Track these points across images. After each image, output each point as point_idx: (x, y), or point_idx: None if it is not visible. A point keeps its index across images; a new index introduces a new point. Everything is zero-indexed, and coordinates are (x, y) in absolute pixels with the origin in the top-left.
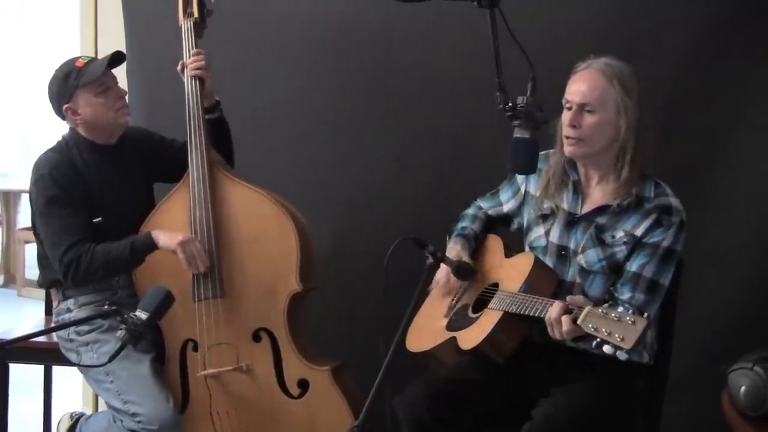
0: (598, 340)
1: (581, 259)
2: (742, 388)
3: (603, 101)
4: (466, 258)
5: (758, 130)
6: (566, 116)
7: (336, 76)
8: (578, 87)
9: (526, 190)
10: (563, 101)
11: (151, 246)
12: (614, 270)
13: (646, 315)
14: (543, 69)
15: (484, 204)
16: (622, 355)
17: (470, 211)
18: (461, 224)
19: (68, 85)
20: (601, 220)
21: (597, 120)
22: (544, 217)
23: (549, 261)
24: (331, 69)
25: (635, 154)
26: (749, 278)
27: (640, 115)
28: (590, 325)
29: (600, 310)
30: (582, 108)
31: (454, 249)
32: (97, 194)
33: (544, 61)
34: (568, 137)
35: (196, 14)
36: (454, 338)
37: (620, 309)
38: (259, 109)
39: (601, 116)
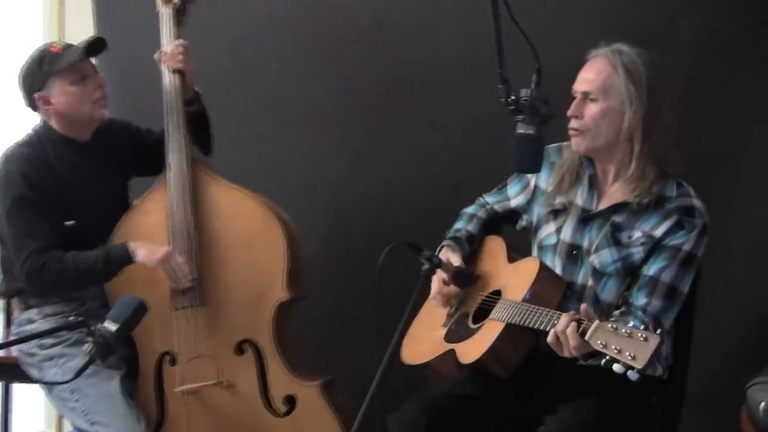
0: (608, 357)
1: (594, 260)
2: (762, 404)
3: (606, 89)
4: (456, 263)
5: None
6: (571, 106)
7: (325, 66)
8: (584, 75)
9: (535, 185)
10: (572, 92)
11: (128, 260)
12: (629, 273)
13: (659, 331)
14: (550, 60)
15: (490, 199)
16: (633, 375)
17: (470, 209)
18: (457, 225)
19: (41, 71)
20: (618, 218)
21: (600, 109)
22: (556, 214)
23: (559, 261)
24: (320, 58)
25: (644, 146)
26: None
27: (649, 105)
28: (599, 342)
29: (609, 325)
30: (585, 97)
31: (442, 254)
32: (70, 194)
33: (550, 51)
34: (571, 128)
35: (177, 0)
36: (452, 351)
37: (631, 323)
38: (242, 102)
39: (603, 105)
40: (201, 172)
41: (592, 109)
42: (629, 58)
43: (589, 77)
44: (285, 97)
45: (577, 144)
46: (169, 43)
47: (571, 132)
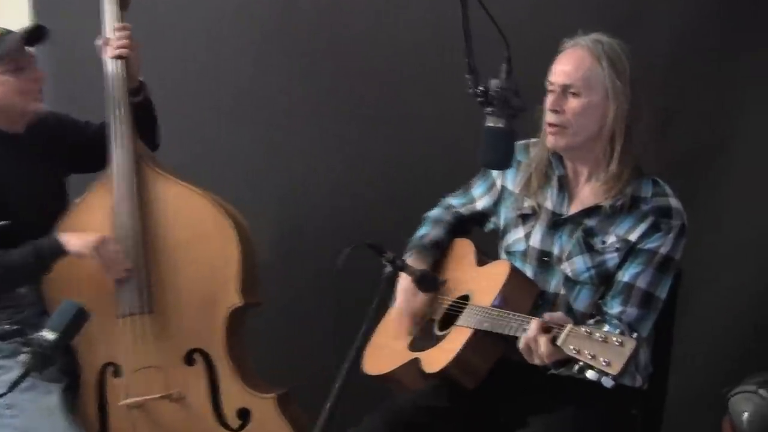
0: (581, 364)
1: (566, 267)
2: (745, 414)
3: (589, 82)
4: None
5: (762, 118)
6: (548, 100)
7: (276, 55)
8: (562, 67)
9: (502, 186)
10: (546, 84)
11: (59, 251)
12: (604, 280)
13: (635, 335)
14: (522, 48)
15: (455, 201)
16: (607, 382)
17: (434, 213)
18: (420, 231)
19: None
20: (591, 222)
21: (582, 104)
22: (524, 218)
23: (529, 269)
24: (276, 46)
25: (626, 145)
26: (754, 290)
27: (632, 99)
28: (571, 347)
29: (583, 330)
30: (565, 90)
31: (410, 263)
32: (1, 192)
33: (523, 39)
34: (549, 124)
35: None
36: (417, 359)
37: (606, 328)
38: (190, 95)
39: (586, 99)
40: (147, 168)
41: (573, 104)
42: (611, 49)
43: (568, 69)
44: (235, 90)
45: (555, 141)
46: (111, 28)
47: (549, 128)
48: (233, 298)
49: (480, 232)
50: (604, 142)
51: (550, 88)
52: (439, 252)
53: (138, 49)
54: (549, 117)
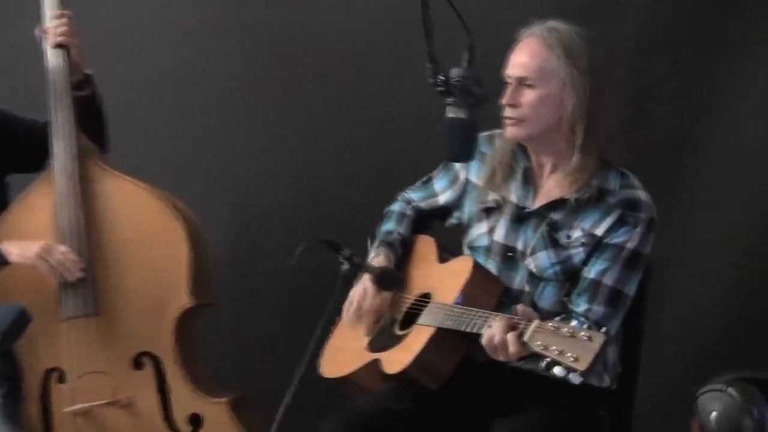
0: (548, 360)
1: (531, 263)
2: (713, 414)
3: (544, 73)
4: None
5: (738, 108)
6: (505, 93)
7: (230, 45)
8: (516, 58)
9: (466, 179)
10: (504, 76)
11: (1, 261)
12: (570, 277)
13: (604, 329)
14: (485, 36)
15: (414, 195)
16: (575, 378)
17: (396, 207)
18: (385, 226)
19: None
20: (556, 216)
21: (537, 96)
22: (488, 212)
23: (493, 264)
24: (225, 37)
25: (589, 135)
26: (724, 287)
27: (592, 88)
28: (538, 343)
29: (550, 325)
30: (521, 83)
31: (376, 261)
32: None
33: (486, 27)
34: (506, 117)
35: None
36: (377, 360)
37: (574, 323)
38: (138, 89)
39: (543, 91)
40: (90, 163)
41: (529, 96)
42: (567, 37)
43: (523, 60)
44: (187, 82)
45: (513, 133)
46: (50, 15)
47: (507, 121)
48: (183, 299)
49: (442, 226)
50: (565, 132)
51: (507, 80)
52: (404, 248)
53: (79, 38)
54: (506, 111)
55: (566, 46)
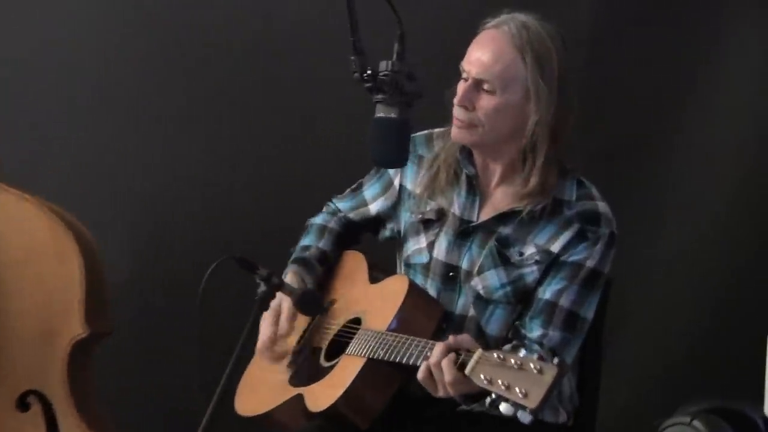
0: (494, 396)
1: (477, 284)
2: None
3: (506, 80)
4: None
5: (705, 106)
6: (459, 90)
7: (129, 38)
8: (478, 54)
9: (401, 185)
10: (460, 67)
11: None
12: (522, 298)
13: (557, 361)
14: (417, 25)
15: (342, 205)
16: (524, 417)
17: (318, 219)
18: (303, 241)
19: None
20: (506, 230)
21: (496, 104)
22: (427, 224)
23: (433, 286)
24: (128, 40)
25: (550, 152)
26: (692, 307)
27: (559, 101)
28: (482, 376)
29: (495, 355)
30: (478, 85)
31: (288, 280)
32: None
33: (418, 14)
34: (455, 119)
35: None
36: (300, 396)
37: (523, 353)
38: (26, 90)
39: (502, 99)
40: None
41: (485, 102)
42: (538, 39)
43: (485, 60)
44: (80, 80)
45: (460, 136)
46: None
47: (455, 122)
48: (76, 328)
49: (373, 240)
50: (520, 145)
51: (463, 75)
52: (325, 266)
53: None
54: (457, 111)
55: (537, 52)
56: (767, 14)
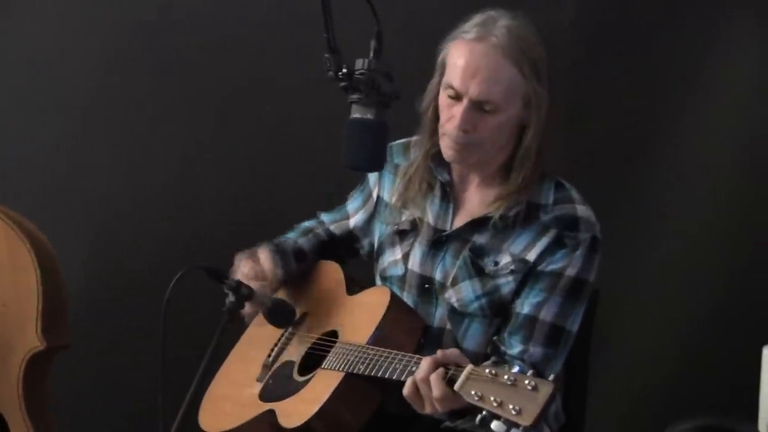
0: (484, 413)
1: (452, 296)
2: None
3: (509, 96)
4: (278, 276)
5: (694, 107)
6: (449, 109)
7: (96, 48)
8: (473, 75)
9: (378, 196)
10: (444, 83)
11: None
12: (498, 311)
13: (552, 377)
14: (398, 21)
15: (327, 218)
16: None
17: (306, 223)
18: (286, 235)
19: None
20: (480, 239)
21: (499, 121)
22: (402, 235)
23: (409, 298)
24: (91, 38)
25: (540, 154)
26: (683, 317)
27: (549, 100)
28: (473, 392)
29: (487, 371)
30: (479, 106)
31: (261, 257)
32: None
33: (398, 9)
34: (454, 142)
35: None
36: (271, 411)
37: (516, 368)
38: None
39: (504, 116)
40: None
41: (488, 122)
42: (531, 47)
43: (484, 81)
44: (35, 78)
45: (460, 158)
46: None
47: (452, 145)
48: (32, 341)
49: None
50: (510, 151)
51: (449, 92)
52: (299, 267)
53: None
54: (455, 136)
55: (531, 60)
56: (753, 15)
